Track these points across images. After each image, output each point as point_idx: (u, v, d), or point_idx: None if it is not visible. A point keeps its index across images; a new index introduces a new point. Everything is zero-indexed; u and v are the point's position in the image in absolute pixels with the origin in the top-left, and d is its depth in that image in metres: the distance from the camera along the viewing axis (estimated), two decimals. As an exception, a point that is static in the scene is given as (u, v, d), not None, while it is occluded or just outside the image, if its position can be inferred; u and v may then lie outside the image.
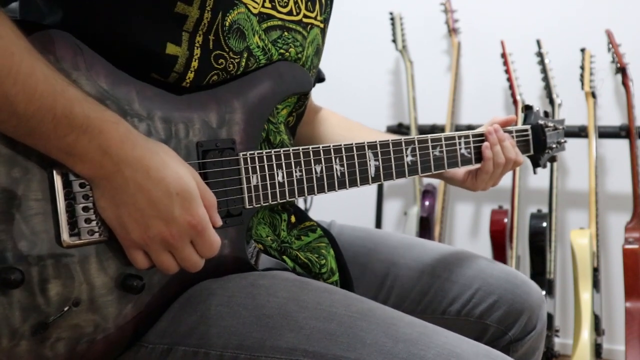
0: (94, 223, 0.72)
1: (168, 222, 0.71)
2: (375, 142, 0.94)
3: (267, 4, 0.88)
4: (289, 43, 0.91)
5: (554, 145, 1.21)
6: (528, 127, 1.17)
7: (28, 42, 0.67)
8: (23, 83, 0.64)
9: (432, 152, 1.00)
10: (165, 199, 0.71)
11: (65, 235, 0.70)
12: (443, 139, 1.02)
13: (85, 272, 0.72)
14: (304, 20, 0.94)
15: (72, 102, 0.67)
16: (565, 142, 1.25)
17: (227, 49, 0.82)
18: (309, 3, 0.95)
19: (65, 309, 0.70)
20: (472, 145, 1.06)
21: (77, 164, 0.69)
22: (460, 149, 1.05)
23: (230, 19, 0.82)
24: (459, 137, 1.05)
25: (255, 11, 0.86)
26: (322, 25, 0.98)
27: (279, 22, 0.90)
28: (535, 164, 1.21)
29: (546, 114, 1.23)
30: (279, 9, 0.90)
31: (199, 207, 0.73)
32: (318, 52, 0.99)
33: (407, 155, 0.98)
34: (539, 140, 1.18)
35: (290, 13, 0.91)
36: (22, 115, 0.64)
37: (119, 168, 0.69)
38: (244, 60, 0.85)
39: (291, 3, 0.92)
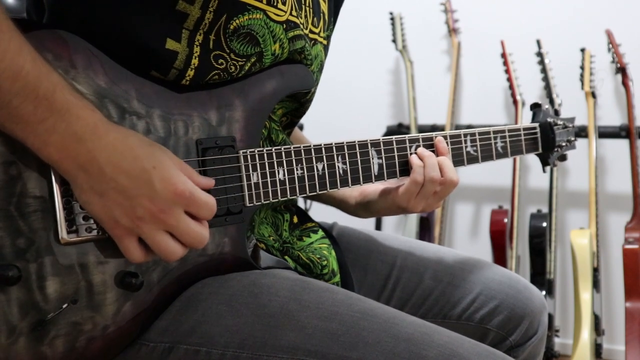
0: (91, 220, 0.71)
1: (152, 197, 0.70)
2: (379, 139, 0.94)
3: (294, 12, 0.88)
4: (307, 57, 0.91)
5: (563, 144, 1.19)
6: (536, 124, 1.16)
7: (14, 24, 0.66)
8: (11, 60, 0.64)
9: (415, 146, 0.99)
10: (144, 174, 0.70)
11: (63, 233, 0.69)
12: (448, 137, 1.01)
13: (84, 269, 0.71)
14: (310, 35, 0.93)
15: (55, 85, 0.67)
16: (575, 140, 1.23)
17: (227, 51, 0.81)
18: (315, 18, 0.94)
19: (64, 306, 0.70)
20: (478, 142, 1.05)
21: (53, 154, 0.67)
22: (466, 147, 1.04)
23: (238, 22, 0.81)
24: (465, 135, 1.04)
25: (280, 19, 0.85)
26: (325, 42, 0.98)
27: (301, 32, 0.90)
28: (545, 162, 1.20)
29: (556, 112, 1.21)
30: (301, 19, 0.90)
31: (179, 175, 0.72)
32: (321, 69, 0.98)
33: (411, 153, 0.97)
34: (547, 138, 1.16)
35: (303, 24, 0.91)
36: (7, 91, 0.64)
37: (93, 155, 0.68)
38: (248, 64, 0.84)
39: (303, 14, 0.91)
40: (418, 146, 0.98)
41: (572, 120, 1.23)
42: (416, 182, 0.96)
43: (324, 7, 0.97)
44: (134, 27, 0.77)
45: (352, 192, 1.07)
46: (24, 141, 0.67)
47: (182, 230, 0.72)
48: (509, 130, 1.10)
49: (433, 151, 0.99)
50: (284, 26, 0.86)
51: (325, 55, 0.99)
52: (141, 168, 0.70)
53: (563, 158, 1.23)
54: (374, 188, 1.04)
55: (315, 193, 0.88)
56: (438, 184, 0.96)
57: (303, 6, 0.91)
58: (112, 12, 0.76)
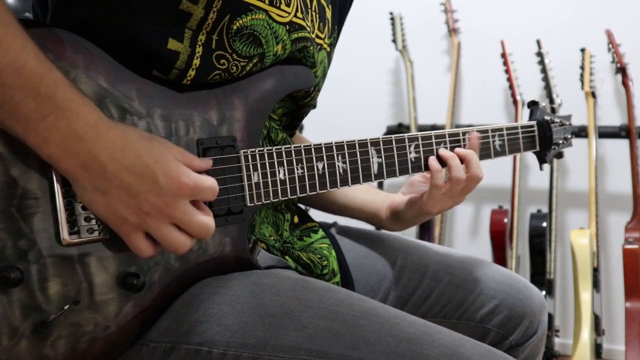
0: (93, 221, 0.71)
1: (157, 192, 0.70)
2: (378, 138, 0.94)
3: (299, 14, 0.88)
4: (307, 57, 0.91)
5: (560, 141, 1.20)
6: (534, 123, 1.16)
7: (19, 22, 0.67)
8: (14, 56, 0.64)
9: (436, 149, 1.00)
10: (147, 170, 0.70)
11: (64, 234, 0.69)
12: (447, 136, 1.01)
13: (85, 270, 0.71)
14: (316, 40, 0.93)
15: (57, 82, 0.67)
16: (572, 137, 1.24)
17: (230, 51, 0.81)
18: (321, 24, 0.94)
19: (66, 307, 0.70)
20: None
21: (53, 152, 0.67)
22: (464, 145, 1.04)
23: (241, 23, 0.81)
24: (463, 134, 1.04)
25: (283, 20, 0.85)
26: (328, 49, 0.98)
27: (308, 35, 0.89)
28: (542, 160, 1.20)
29: (553, 110, 1.22)
30: (307, 22, 0.90)
31: (180, 167, 0.72)
32: (324, 75, 0.98)
33: (410, 152, 0.97)
34: (545, 136, 1.16)
35: (310, 28, 0.91)
36: (9, 87, 0.64)
37: (94, 154, 0.68)
38: (250, 64, 0.84)
39: (309, 18, 0.91)
40: (418, 145, 0.98)
41: (568, 117, 1.24)
42: (437, 187, 0.97)
43: (328, 13, 0.97)
44: (136, 26, 0.77)
45: (382, 206, 1.08)
46: (25, 139, 0.67)
47: (188, 222, 0.73)
48: (507, 129, 1.10)
49: (452, 148, 0.99)
50: (287, 27, 0.86)
51: (329, 62, 0.99)
52: (143, 164, 0.70)
53: (560, 155, 1.24)
54: (400, 200, 1.05)
55: (315, 192, 0.88)
56: (463, 181, 0.98)
57: (309, 10, 0.91)
58: (115, 11, 0.76)
